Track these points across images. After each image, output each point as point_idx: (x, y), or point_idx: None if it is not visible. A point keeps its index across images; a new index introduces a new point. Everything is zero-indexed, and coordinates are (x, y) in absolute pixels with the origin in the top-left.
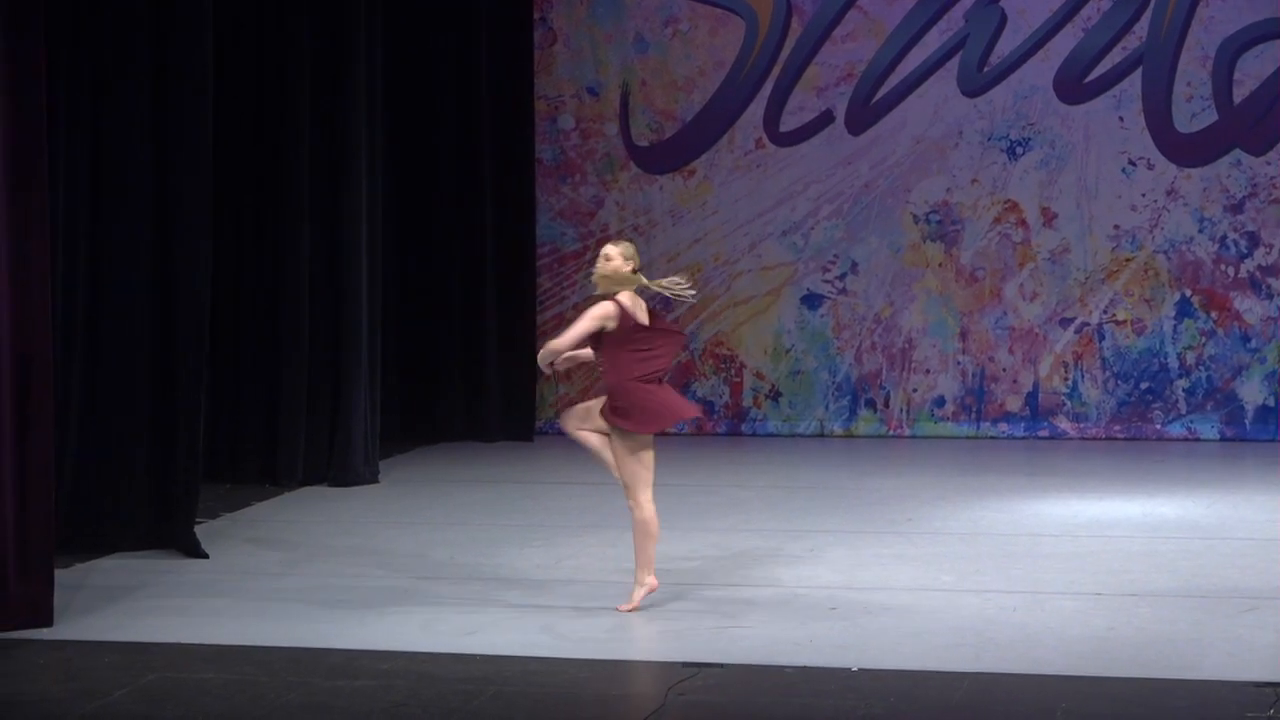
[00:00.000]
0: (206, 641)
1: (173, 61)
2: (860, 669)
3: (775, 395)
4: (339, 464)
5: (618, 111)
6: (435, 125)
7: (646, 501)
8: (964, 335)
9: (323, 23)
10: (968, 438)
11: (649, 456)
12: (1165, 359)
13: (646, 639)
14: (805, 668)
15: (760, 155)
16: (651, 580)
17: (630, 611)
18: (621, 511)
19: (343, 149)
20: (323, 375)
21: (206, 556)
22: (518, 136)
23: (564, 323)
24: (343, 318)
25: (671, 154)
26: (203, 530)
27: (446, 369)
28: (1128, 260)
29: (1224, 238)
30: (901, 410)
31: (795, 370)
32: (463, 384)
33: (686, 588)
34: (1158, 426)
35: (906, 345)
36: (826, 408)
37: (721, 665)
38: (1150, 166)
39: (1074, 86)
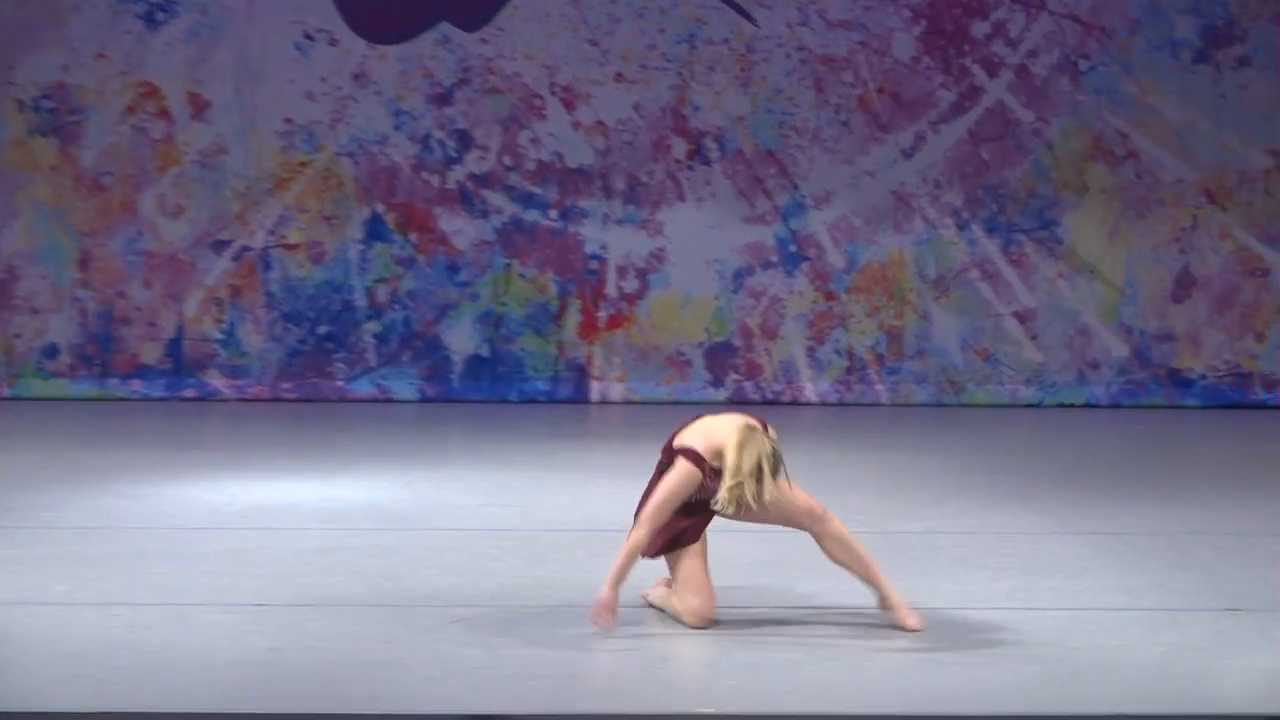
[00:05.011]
0: None
1: None
2: None
3: None
4: None
5: None
6: None
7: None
8: (85, 263)
9: None
10: (91, 399)
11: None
12: (351, 295)
13: None
14: None
15: None
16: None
17: None
18: None
19: None
20: None
21: None
22: None
23: None
24: None
25: None
26: None
27: None
28: (302, 165)
29: (427, 137)
30: (1, 363)
31: None
32: None
33: None
34: (340, 384)
35: (8, 276)
36: None
37: None
38: (333, 42)
39: None
